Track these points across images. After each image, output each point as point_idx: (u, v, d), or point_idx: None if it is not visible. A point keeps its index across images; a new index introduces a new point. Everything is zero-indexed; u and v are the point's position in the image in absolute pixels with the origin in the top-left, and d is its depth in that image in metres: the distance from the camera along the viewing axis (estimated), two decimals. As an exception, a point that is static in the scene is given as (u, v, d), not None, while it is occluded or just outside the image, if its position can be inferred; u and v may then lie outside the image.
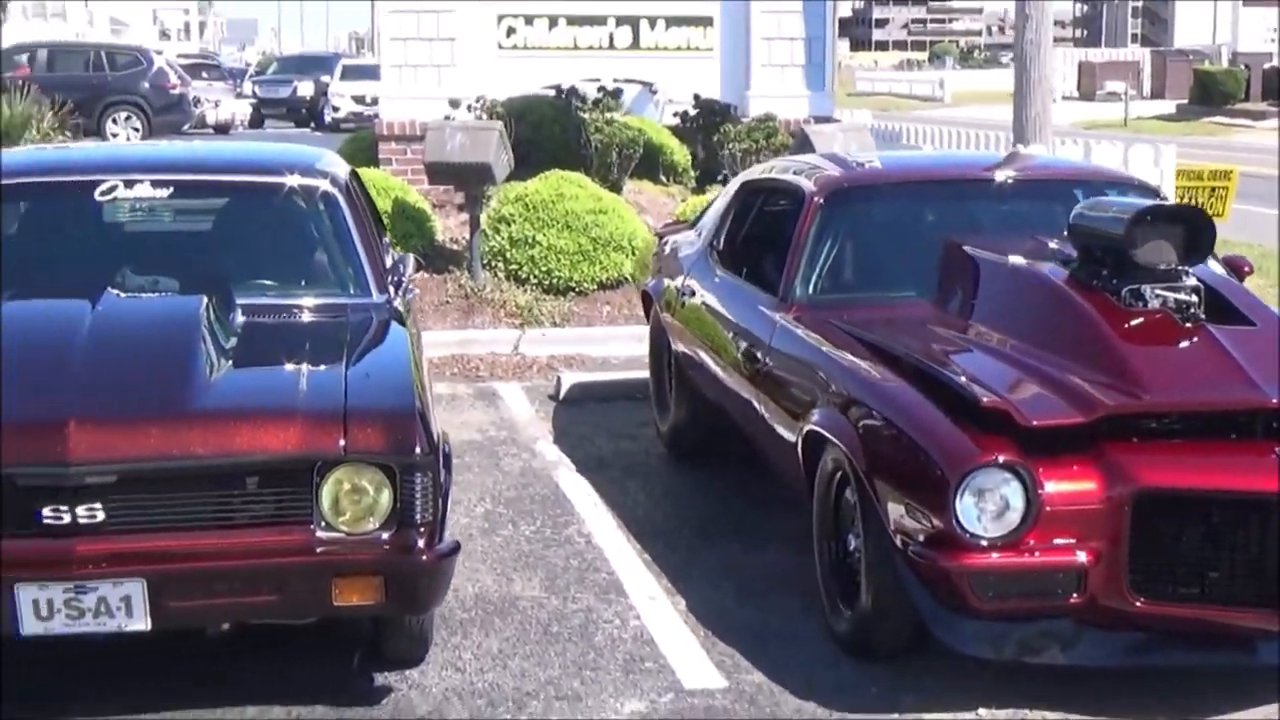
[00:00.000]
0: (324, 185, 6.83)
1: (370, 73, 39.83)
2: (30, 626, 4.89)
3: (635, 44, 15.13)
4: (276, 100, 43.45)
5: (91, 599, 4.89)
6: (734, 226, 8.10)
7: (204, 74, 42.24)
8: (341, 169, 7.26)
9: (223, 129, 38.41)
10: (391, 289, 6.64)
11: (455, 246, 12.64)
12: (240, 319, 5.99)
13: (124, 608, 4.91)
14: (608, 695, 5.54)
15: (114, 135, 31.22)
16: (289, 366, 5.59)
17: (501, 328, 11.61)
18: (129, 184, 6.67)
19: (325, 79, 42.15)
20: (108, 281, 6.09)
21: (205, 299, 5.80)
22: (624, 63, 15.45)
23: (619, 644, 5.98)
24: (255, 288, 6.44)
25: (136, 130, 31.55)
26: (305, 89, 43.28)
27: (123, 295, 5.96)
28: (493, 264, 12.12)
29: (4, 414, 4.96)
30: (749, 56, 15.04)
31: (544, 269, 12.03)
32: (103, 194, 6.63)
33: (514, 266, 12.08)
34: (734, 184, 8.61)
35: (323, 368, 5.54)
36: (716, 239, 8.14)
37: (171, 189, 6.74)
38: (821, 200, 7.10)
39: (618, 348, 11.30)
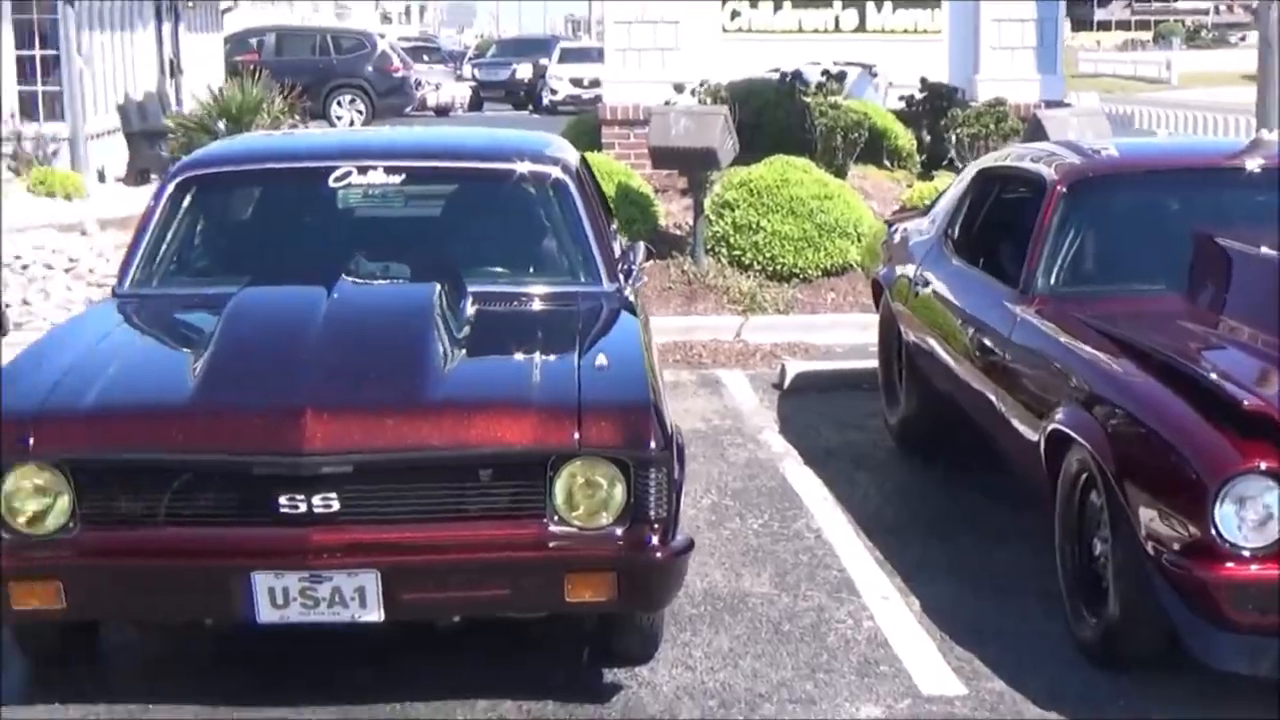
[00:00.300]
0: (555, 172, 6.77)
1: (588, 56, 40.16)
2: (266, 615, 4.89)
3: (861, 26, 14.92)
4: (495, 83, 43.89)
5: (326, 589, 4.87)
6: (970, 215, 7.87)
7: (425, 57, 42.83)
8: (572, 155, 7.19)
9: (443, 112, 38.88)
10: (621, 277, 6.56)
11: (678, 232, 12.55)
12: (471, 307, 5.94)
13: (358, 598, 4.88)
14: (842, 699, 5.39)
15: (338, 118, 31.80)
16: (522, 357, 5.53)
17: (724, 314, 11.49)
18: (362, 170, 6.67)
19: (543, 62, 42.45)
20: (341, 268, 6.09)
21: (438, 287, 5.77)
22: (847, 45, 15.26)
23: (852, 645, 5.83)
24: (485, 275, 6.40)
25: (360, 113, 32.08)
26: (524, 72, 43.64)
27: (357, 282, 5.96)
28: (716, 249, 12.01)
29: (243, 402, 4.97)
30: (978, 38, 14.73)
31: (768, 255, 11.89)
32: (336, 180, 6.64)
33: (737, 252, 11.96)
34: (969, 171, 8.37)
35: (556, 359, 5.47)
36: (951, 227, 7.92)
37: (404, 175, 6.74)
38: (1064, 189, 6.84)
39: (842, 336, 11.11)
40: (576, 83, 38.92)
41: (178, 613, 5.15)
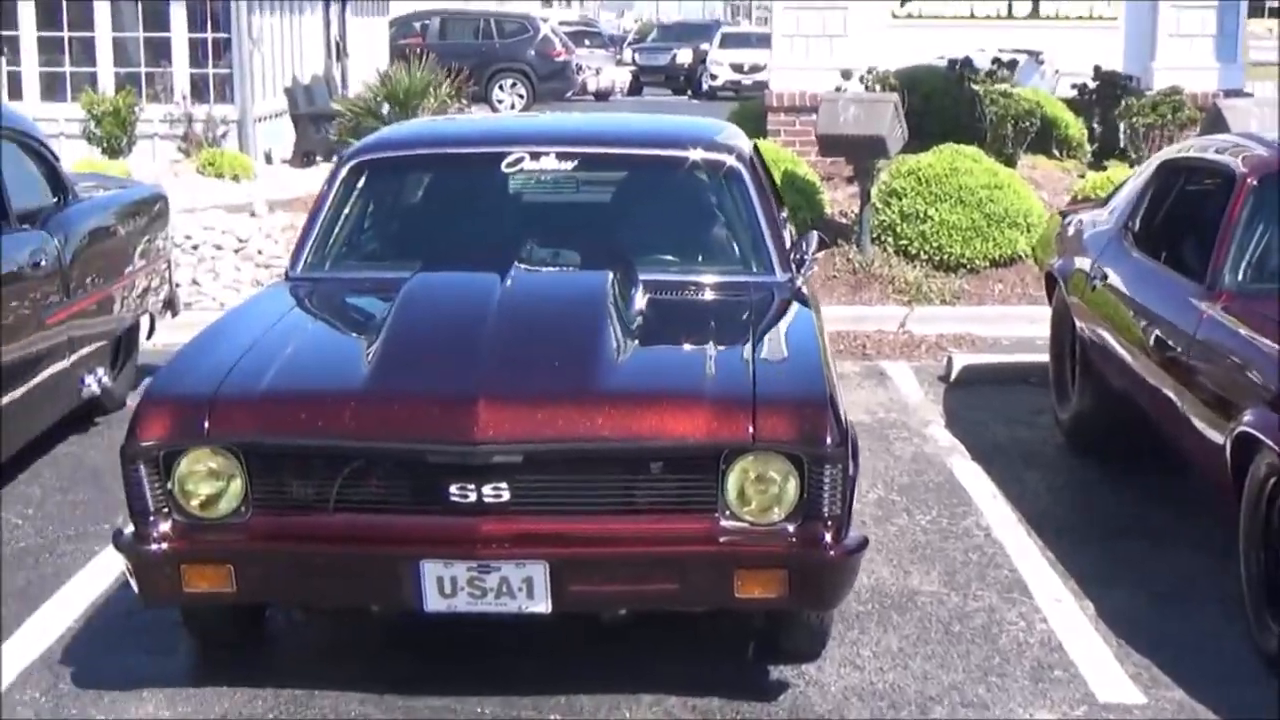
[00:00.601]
0: (729, 160, 6.68)
1: (749, 41, 40.02)
2: (434, 603, 4.86)
3: (1034, 13, 14.65)
4: (655, 68, 43.81)
5: (494, 579, 4.83)
6: (1152, 208, 7.65)
7: (586, 41, 42.90)
8: (745, 143, 7.10)
9: (602, 96, 38.91)
10: (794, 267, 6.45)
11: (843, 220, 12.41)
12: (643, 296, 5.87)
13: (525, 589, 4.83)
14: (1016, 705, 5.25)
15: (500, 102, 31.95)
16: (695, 348, 5.45)
17: (889, 304, 11.34)
18: (535, 156, 6.63)
19: (704, 47, 42.25)
20: (513, 254, 6.06)
21: (611, 275, 5.72)
22: (1018, 33, 14.98)
23: (1025, 649, 5.68)
24: (655, 263, 6.33)
25: (521, 97, 32.21)
26: (684, 57, 43.51)
27: (530, 269, 5.92)
28: (882, 238, 11.85)
29: (416, 389, 4.95)
30: (1155, 26, 14.39)
31: (935, 245, 11.71)
32: (509, 165, 6.61)
33: (904, 242, 11.79)
34: (1151, 163, 8.14)
35: (729, 350, 5.38)
36: (1132, 220, 7.70)
37: (576, 161, 6.68)
38: (1255, 182, 6.61)
39: (1009, 328, 10.92)
40: (737, 68, 38.75)
41: (345, 599, 5.14)
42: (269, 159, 19.59)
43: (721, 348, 5.39)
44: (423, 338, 5.27)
